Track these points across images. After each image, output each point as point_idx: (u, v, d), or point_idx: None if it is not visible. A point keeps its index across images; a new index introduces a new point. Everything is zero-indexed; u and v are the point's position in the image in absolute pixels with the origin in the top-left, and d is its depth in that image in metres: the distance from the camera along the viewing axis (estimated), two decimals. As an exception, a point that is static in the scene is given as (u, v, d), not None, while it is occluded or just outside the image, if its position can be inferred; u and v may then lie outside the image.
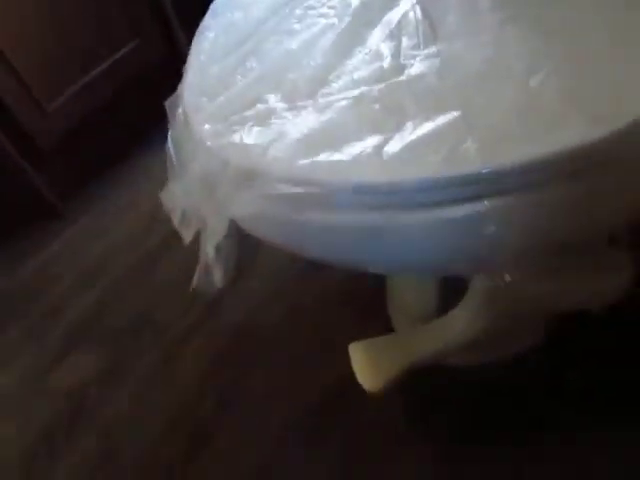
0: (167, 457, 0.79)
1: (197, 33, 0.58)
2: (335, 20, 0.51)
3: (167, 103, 0.54)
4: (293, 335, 0.87)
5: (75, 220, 1.18)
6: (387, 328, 0.81)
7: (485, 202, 0.37)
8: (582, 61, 0.41)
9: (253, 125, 0.43)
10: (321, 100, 0.43)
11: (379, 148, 0.38)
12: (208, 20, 0.58)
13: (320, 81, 0.45)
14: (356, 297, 0.89)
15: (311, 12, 0.54)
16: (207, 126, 0.45)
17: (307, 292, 0.93)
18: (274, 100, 0.45)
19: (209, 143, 0.43)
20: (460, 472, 0.68)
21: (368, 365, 0.68)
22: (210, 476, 0.76)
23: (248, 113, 0.45)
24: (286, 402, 0.80)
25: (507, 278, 0.52)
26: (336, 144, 0.39)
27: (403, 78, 0.43)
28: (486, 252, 0.43)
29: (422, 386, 0.74)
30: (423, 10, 0.50)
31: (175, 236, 1.08)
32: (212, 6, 0.60)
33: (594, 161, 0.36)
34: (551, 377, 0.74)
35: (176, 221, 0.52)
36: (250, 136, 0.42)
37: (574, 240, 0.46)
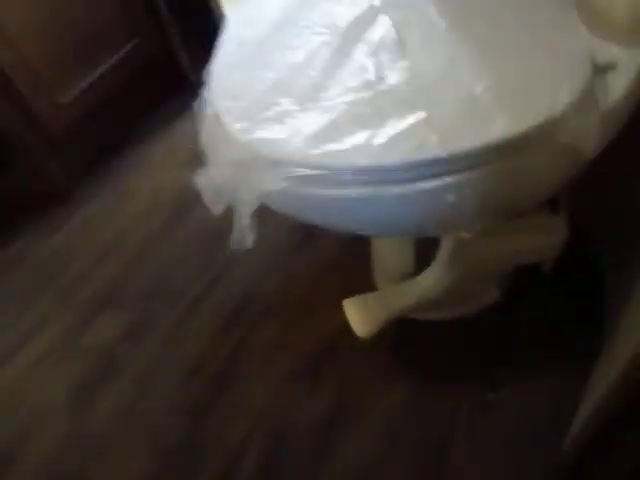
0: (187, 402, 0.94)
1: (216, 46, 0.71)
2: (328, 38, 0.66)
3: (195, 105, 0.67)
4: (290, 298, 1.02)
5: (86, 202, 1.31)
6: (369, 288, 0.97)
7: (445, 178, 0.52)
8: (512, 73, 0.57)
9: (273, 123, 0.58)
10: (323, 103, 0.58)
11: (369, 140, 0.53)
12: (224, 36, 0.72)
13: (321, 88, 0.60)
14: (342, 265, 1.05)
15: (307, 31, 0.68)
16: (237, 125, 0.59)
17: (301, 262, 1.08)
18: (287, 103, 0.59)
19: (240, 138, 0.57)
20: (431, 404, 0.85)
21: (359, 316, 0.84)
22: (224, 415, 0.91)
23: (268, 114, 0.59)
24: (286, 353, 0.95)
25: (466, 237, 0.68)
26: (337, 137, 0.54)
27: (383, 87, 0.58)
28: (448, 216, 0.59)
29: (400, 337, 0.90)
30: (396, 30, 0.64)
31: (176, 216, 1.25)
32: (226, 23, 0.73)
33: (516, 148, 0.51)
34: (504, 325, 0.90)
35: (207, 198, 0.66)
36: (272, 132, 0.57)
37: (512, 206, 0.62)
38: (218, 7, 1.42)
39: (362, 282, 0.98)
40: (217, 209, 0.65)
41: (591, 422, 0.59)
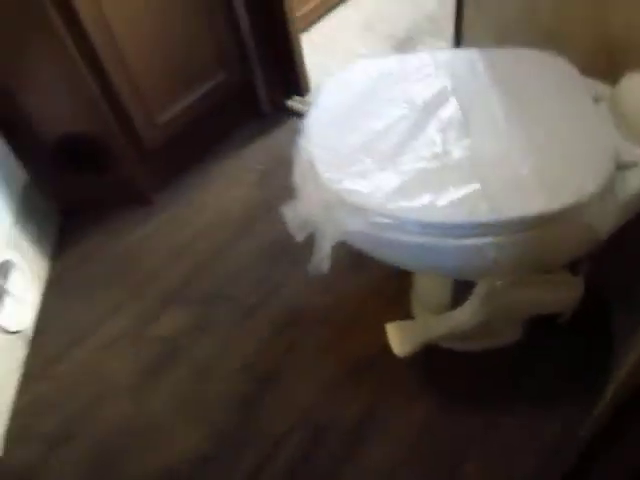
0: (239, 394, 1.09)
1: (312, 105, 0.88)
2: (406, 112, 0.82)
3: (294, 149, 0.84)
4: (339, 314, 1.18)
5: (164, 209, 1.49)
6: (408, 315, 1.12)
7: (490, 238, 0.68)
8: (551, 159, 0.72)
9: (357, 177, 0.74)
10: (398, 167, 0.74)
11: (433, 201, 0.69)
12: (320, 98, 0.88)
13: (397, 154, 0.76)
14: (387, 291, 1.20)
15: (389, 104, 0.84)
16: (327, 174, 0.75)
17: (351, 284, 1.23)
18: (369, 162, 0.75)
19: (330, 185, 0.74)
20: (455, 419, 0.99)
21: (399, 338, 0.99)
22: (270, 408, 1.06)
23: (353, 168, 0.75)
24: (330, 361, 1.10)
25: (499, 283, 0.83)
26: (408, 195, 0.70)
27: (448, 159, 0.74)
28: (487, 267, 0.74)
29: (430, 360, 1.05)
30: (463, 113, 0.80)
31: (242, 230, 1.42)
32: (322, 88, 0.90)
33: (549, 221, 0.67)
34: (521, 359, 1.04)
35: (292, 227, 0.82)
36: (356, 184, 0.73)
37: (540, 265, 0.77)
38: (299, 48, 1.61)
39: (402, 308, 1.13)
40: (299, 237, 0.82)
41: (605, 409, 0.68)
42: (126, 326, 1.25)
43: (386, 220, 0.68)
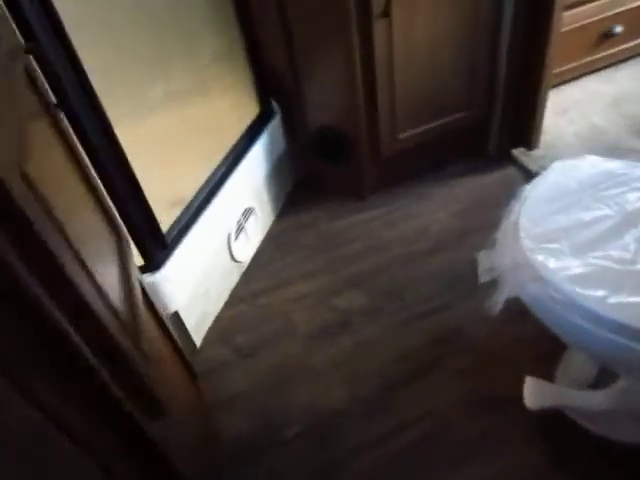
0: (385, 375, 1.31)
1: (538, 178, 1.04)
2: (613, 214, 0.94)
3: (505, 210, 1.01)
4: (488, 349, 1.33)
5: (374, 207, 1.76)
6: (550, 376, 1.23)
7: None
8: None
9: (550, 253, 0.89)
10: (587, 259, 0.88)
11: (607, 296, 0.82)
12: (544, 177, 1.04)
13: (590, 248, 0.89)
14: (537, 348, 1.31)
15: (602, 201, 0.97)
16: (527, 241, 0.92)
17: (509, 328, 1.36)
18: (565, 245, 0.91)
19: (525, 250, 0.90)
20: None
21: (533, 393, 1.12)
22: (408, 398, 1.26)
23: (550, 245, 0.91)
24: (468, 385, 1.27)
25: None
26: (586, 285, 0.84)
27: (633, 267, 0.86)
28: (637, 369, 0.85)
29: (551, 424, 1.16)
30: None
31: (433, 248, 1.60)
32: (549, 169, 1.05)
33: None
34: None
35: (481, 268, 1.01)
36: (547, 258, 0.89)
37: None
38: (543, 103, 1.72)
39: (548, 368, 1.24)
40: (483, 279, 1.00)
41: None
42: (315, 289, 1.55)
43: (559, 297, 0.84)
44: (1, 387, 0.38)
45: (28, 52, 0.65)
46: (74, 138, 0.79)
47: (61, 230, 0.52)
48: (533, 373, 1.17)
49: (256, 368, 1.38)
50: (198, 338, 1.45)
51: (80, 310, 0.52)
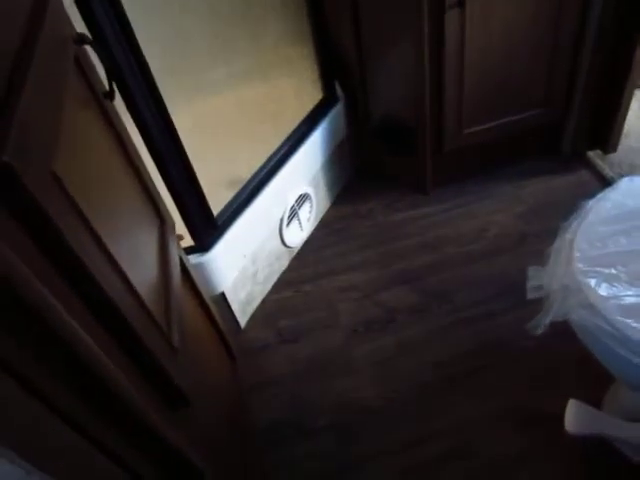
0: (421, 379, 1.29)
1: (601, 195, 0.97)
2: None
3: (562, 224, 0.95)
4: (532, 365, 1.27)
5: (436, 203, 1.71)
6: (596, 402, 1.16)
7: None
8: None
9: (603, 279, 0.83)
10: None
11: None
12: (612, 190, 0.97)
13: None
14: (590, 371, 1.23)
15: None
16: (580, 264, 0.86)
17: (558, 345, 1.30)
18: (622, 272, 0.84)
19: (578, 273, 0.85)
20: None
21: (574, 417, 1.07)
22: (442, 405, 1.23)
23: (605, 270, 0.85)
24: (507, 398, 1.22)
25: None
26: (638, 317, 0.78)
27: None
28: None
29: (592, 452, 1.10)
30: None
31: (490, 250, 1.54)
32: (621, 182, 0.98)
33: None
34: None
35: (530, 284, 0.96)
36: (600, 284, 0.83)
37: None
38: (627, 104, 1.60)
39: (595, 393, 1.18)
40: (531, 295, 0.95)
41: None
42: (363, 282, 1.53)
43: (607, 327, 0.78)
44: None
45: (79, 42, 0.66)
46: (125, 125, 0.81)
47: (87, 226, 0.54)
48: (577, 396, 1.11)
49: (295, 354, 1.39)
50: (243, 320, 1.47)
51: (104, 311, 0.53)
